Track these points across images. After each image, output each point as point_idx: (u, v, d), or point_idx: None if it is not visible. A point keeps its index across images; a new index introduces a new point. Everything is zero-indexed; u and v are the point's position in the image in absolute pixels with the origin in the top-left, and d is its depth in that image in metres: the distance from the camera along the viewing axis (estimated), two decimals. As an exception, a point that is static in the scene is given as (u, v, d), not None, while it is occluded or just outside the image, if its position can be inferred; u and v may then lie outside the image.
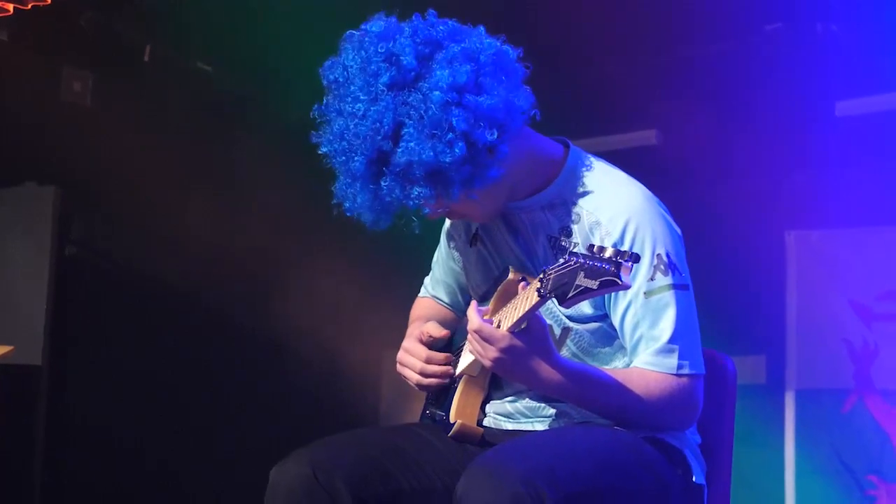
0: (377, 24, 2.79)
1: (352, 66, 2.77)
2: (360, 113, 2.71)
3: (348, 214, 2.83)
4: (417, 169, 2.69)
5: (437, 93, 2.69)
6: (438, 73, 2.71)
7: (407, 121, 2.70)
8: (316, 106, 2.84)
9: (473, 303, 2.78)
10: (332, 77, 2.81)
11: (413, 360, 3.07)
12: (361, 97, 2.72)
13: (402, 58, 2.72)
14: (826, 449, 5.51)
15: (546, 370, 2.74)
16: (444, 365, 3.05)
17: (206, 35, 5.77)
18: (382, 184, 2.72)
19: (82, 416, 5.61)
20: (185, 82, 6.00)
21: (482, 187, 2.77)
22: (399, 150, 2.69)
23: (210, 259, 5.93)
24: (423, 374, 3.05)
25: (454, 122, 2.69)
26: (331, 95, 2.81)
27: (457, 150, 2.69)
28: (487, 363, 2.75)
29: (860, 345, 5.50)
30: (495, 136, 2.73)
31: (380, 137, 2.69)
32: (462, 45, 2.76)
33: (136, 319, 5.80)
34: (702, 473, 2.93)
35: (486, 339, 2.71)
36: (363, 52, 2.76)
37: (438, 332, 3.07)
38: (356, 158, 2.72)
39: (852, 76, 5.31)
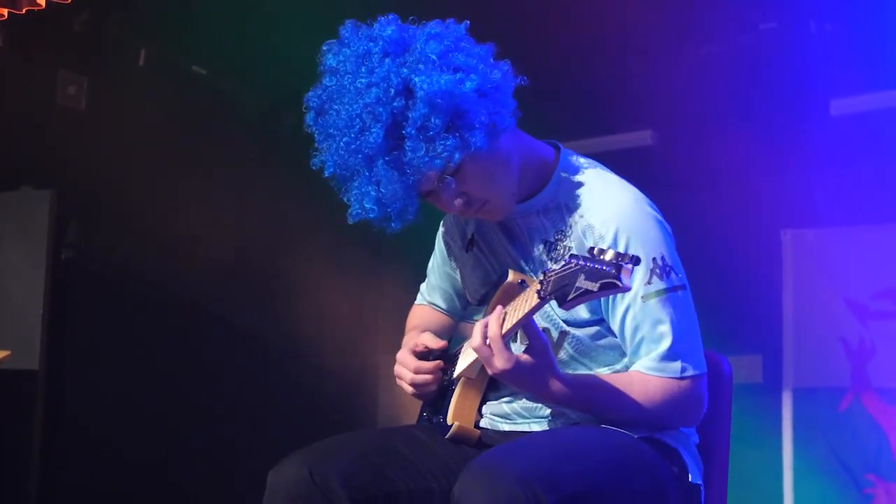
0: (348, 24, 2.82)
1: (340, 62, 2.77)
2: (364, 85, 2.70)
3: (372, 217, 2.78)
4: (436, 116, 2.67)
5: (432, 42, 2.72)
6: (426, 30, 2.77)
7: (413, 76, 2.70)
8: (311, 124, 2.83)
9: (501, 311, 2.74)
10: (321, 91, 2.81)
11: (404, 370, 3.07)
12: (360, 75, 2.72)
13: (384, 32, 2.75)
14: (823, 448, 5.52)
15: (547, 387, 2.76)
16: (433, 373, 3.04)
17: (201, 38, 5.76)
18: (406, 147, 2.69)
19: (80, 421, 5.59)
20: (181, 86, 5.99)
21: (499, 135, 2.77)
22: (414, 100, 2.68)
23: (207, 263, 5.93)
24: (414, 384, 3.06)
25: (460, 61, 2.72)
26: (325, 109, 2.80)
27: (469, 82, 2.70)
28: (491, 372, 2.76)
29: (856, 343, 5.51)
30: (499, 76, 2.75)
31: (391, 97, 2.68)
32: (436, 30, 2.79)
33: (133, 324, 5.79)
34: (699, 473, 2.94)
35: (496, 352, 2.71)
36: (346, 48, 2.78)
37: (435, 343, 3.07)
38: (373, 131, 2.69)
39: (847, 75, 5.32)
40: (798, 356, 5.62)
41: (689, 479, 2.89)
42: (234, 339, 6.10)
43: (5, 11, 4.40)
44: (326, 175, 2.81)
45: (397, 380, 3.11)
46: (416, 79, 2.69)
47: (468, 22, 2.83)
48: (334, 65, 2.78)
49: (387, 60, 2.71)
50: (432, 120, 2.68)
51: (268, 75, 5.92)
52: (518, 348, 2.78)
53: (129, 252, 5.81)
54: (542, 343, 2.73)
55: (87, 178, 5.59)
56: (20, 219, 5.55)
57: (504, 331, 2.70)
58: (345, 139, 2.73)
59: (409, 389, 3.07)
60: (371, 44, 2.74)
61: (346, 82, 2.74)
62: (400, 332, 3.31)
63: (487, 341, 2.72)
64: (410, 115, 2.68)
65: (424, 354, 3.07)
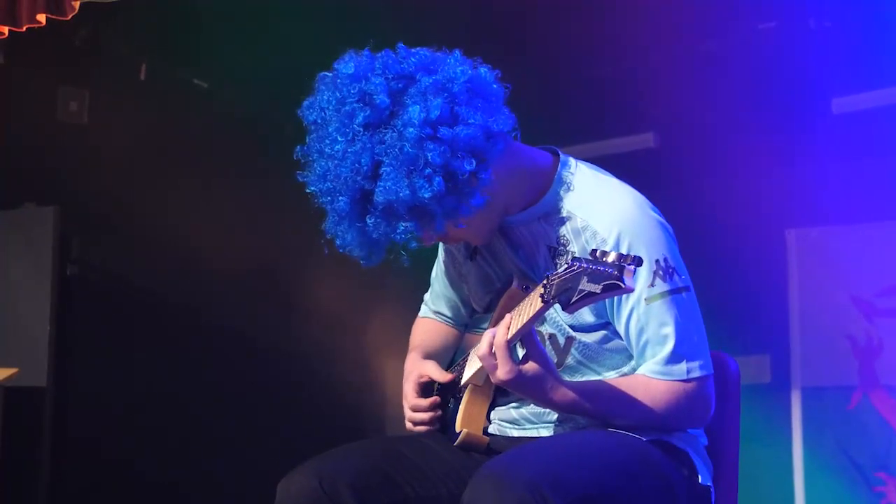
0: (348, 64, 2.80)
1: (328, 108, 2.79)
2: (340, 154, 2.73)
3: (340, 251, 2.85)
4: (399, 206, 2.70)
5: (411, 129, 2.69)
6: (411, 108, 2.72)
7: (384, 159, 2.71)
8: (299, 147, 2.86)
9: (507, 318, 2.74)
10: (310, 118, 2.84)
11: (405, 405, 3.11)
12: (339, 139, 2.74)
13: (374, 97, 2.73)
14: (833, 446, 5.51)
15: (549, 396, 2.77)
16: (429, 412, 3.06)
17: (202, 52, 5.77)
18: (368, 221, 2.74)
19: (88, 437, 5.60)
20: (182, 99, 6.00)
21: (467, 216, 2.78)
22: (378, 189, 2.70)
23: (212, 275, 5.93)
24: (413, 422, 3.09)
25: (430, 157, 2.69)
26: (312, 136, 2.83)
27: (435, 185, 2.69)
28: (495, 380, 2.77)
29: (864, 341, 5.50)
30: (474, 166, 2.73)
31: (360, 178, 2.71)
32: (434, 76, 2.76)
33: (139, 338, 5.80)
34: (708, 475, 2.93)
35: (500, 360, 2.72)
36: (337, 94, 2.78)
37: (441, 377, 3.08)
38: (340, 199, 2.74)
39: (848, 73, 5.31)
40: (805, 355, 5.61)
41: (699, 481, 2.89)
42: (241, 350, 6.10)
43: (6, 29, 4.41)
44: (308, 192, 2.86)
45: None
46: (385, 168, 2.70)
47: (479, 59, 2.83)
48: (323, 105, 2.81)
49: (366, 135, 2.72)
50: (395, 207, 2.71)
51: (268, 87, 5.92)
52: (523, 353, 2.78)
53: (133, 266, 5.83)
54: (540, 353, 2.74)
55: (91, 193, 5.61)
56: (24, 236, 5.56)
57: (508, 336, 2.70)
58: (318, 184, 2.79)
59: (409, 426, 3.10)
60: (357, 105, 2.74)
61: (327, 133, 2.77)
62: (406, 340, 3.31)
63: (493, 349, 2.73)
64: (374, 199, 2.71)
65: (427, 385, 3.08)
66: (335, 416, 6.23)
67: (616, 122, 5.87)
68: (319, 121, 2.80)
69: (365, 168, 2.70)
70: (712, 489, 2.93)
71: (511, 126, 2.82)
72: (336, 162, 2.73)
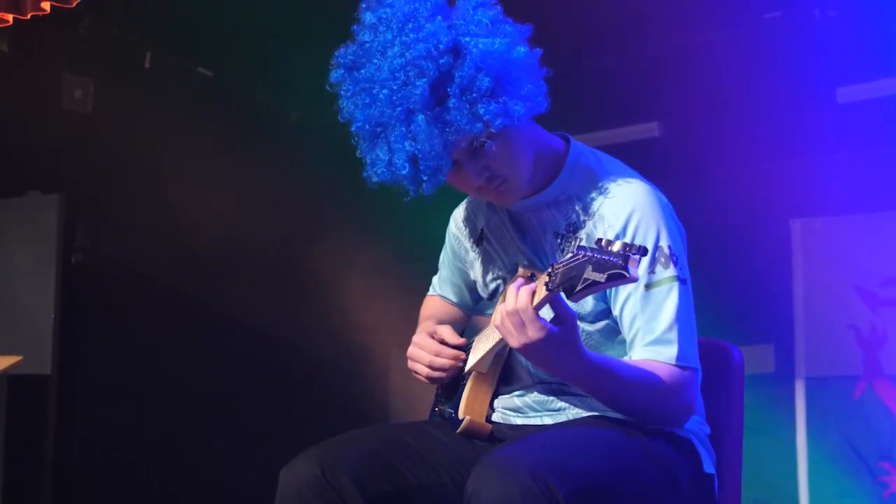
0: None
1: (381, 20, 2.75)
2: (412, 40, 2.68)
3: (403, 174, 2.72)
4: (484, 77, 2.67)
5: (481, 10, 2.74)
6: (473, 2, 2.77)
7: (463, 37, 2.70)
8: (340, 77, 2.79)
9: (519, 279, 2.67)
10: (356, 47, 2.78)
11: (422, 353, 3.06)
12: (406, 31, 2.70)
13: None
14: (837, 436, 5.51)
15: (571, 362, 2.69)
16: (453, 360, 3.03)
17: (207, 40, 5.77)
18: (450, 105, 2.68)
19: (92, 424, 5.61)
20: (187, 87, 6.00)
21: (539, 109, 2.78)
22: (464, 59, 2.67)
23: (217, 263, 5.94)
24: (433, 367, 3.04)
25: (509, 31, 2.74)
26: (359, 65, 2.77)
27: (518, 51, 2.72)
28: (516, 344, 2.64)
29: (868, 331, 5.50)
30: (541, 53, 2.79)
31: (440, 52, 2.67)
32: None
33: (144, 325, 5.80)
34: (712, 463, 2.93)
35: (527, 321, 2.61)
36: (387, 7, 2.76)
37: (454, 339, 3.06)
38: (418, 84, 2.66)
39: (853, 62, 5.31)
40: (809, 345, 5.60)
41: (703, 470, 2.89)
42: (246, 337, 6.10)
43: (10, 17, 4.40)
44: (354, 130, 2.78)
45: (410, 362, 3.09)
46: (467, 39, 2.70)
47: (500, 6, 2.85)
48: (374, 21, 2.76)
49: (437, 18, 2.72)
50: (479, 81, 2.68)
51: (274, 75, 5.92)
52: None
53: (138, 254, 5.83)
54: (570, 315, 2.64)
55: (95, 181, 5.61)
56: (29, 224, 5.57)
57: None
58: (384, 91, 2.70)
59: (425, 371, 3.05)
60: (417, 4, 2.73)
61: (389, 37, 2.72)
62: (411, 327, 3.31)
63: (516, 312, 2.62)
64: (457, 74, 2.68)
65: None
66: (339, 405, 6.24)
67: (620, 111, 5.87)
68: (370, 38, 2.75)
69: (444, 43, 2.68)
70: (716, 478, 2.94)
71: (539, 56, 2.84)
72: (409, 48, 2.68)
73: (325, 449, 2.86)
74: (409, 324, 3.35)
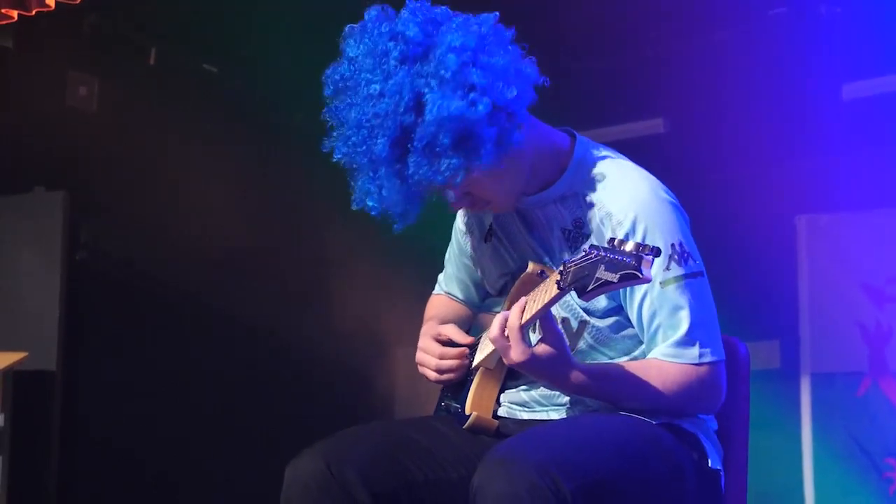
0: (374, 10, 2.78)
1: (359, 55, 2.75)
2: (377, 92, 2.68)
3: (374, 214, 2.78)
4: (444, 136, 2.65)
5: (451, 55, 2.68)
6: (448, 37, 2.70)
7: (426, 90, 2.67)
8: (326, 109, 2.81)
9: (521, 301, 2.72)
10: (338, 76, 2.79)
11: (428, 357, 3.08)
12: (375, 78, 2.70)
13: (407, 33, 2.71)
14: (842, 433, 5.51)
15: (565, 375, 2.76)
16: (459, 358, 3.05)
17: (212, 37, 5.77)
18: (409, 161, 2.68)
19: (97, 421, 5.61)
20: (192, 84, 6.00)
21: (507, 151, 2.74)
22: (424, 118, 2.65)
23: (220, 260, 5.93)
24: (439, 371, 3.06)
25: (474, 80, 2.68)
26: (340, 94, 2.78)
27: (481, 107, 2.66)
28: (507, 363, 2.76)
29: (873, 327, 5.49)
30: (515, 94, 2.72)
31: (401, 111, 2.66)
32: (460, 19, 2.77)
33: (148, 323, 5.80)
34: (718, 458, 2.93)
35: (515, 340, 2.70)
36: (367, 39, 2.75)
37: (460, 337, 3.07)
38: (379, 141, 2.68)
39: (858, 58, 5.30)
40: (815, 341, 5.60)
41: (709, 465, 2.89)
42: (250, 334, 6.10)
43: (15, 13, 4.40)
44: (334, 160, 2.81)
45: (419, 367, 3.11)
46: (429, 95, 2.67)
47: (498, 14, 2.81)
48: (352, 55, 2.76)
49: (403, 68, 2.69)
50: (439, 139, 2.67)
51: (278, 74, 5.92)
52: (537, 338, 2.77)
53: (143, 252, 5.83)
54: (557, 335, 2.72)
55: (100, 178, 5.61)
56: (33, 221, 5.58)
57: (523, 321, 2.69)
58: (352, 138, 2.73)
59: (434, 375, 3.07)
60: (391, 43, 2.71)
61: (360, 79, 2.72)
62: (416, 324, 3.31)
63: (505, 332, 2.71)
64: (418, 132, 2.67)
65: (447, 345, 3.07)
66: (345, 401, 6.24)
67: (626, 107, 5.86)
68: (349, 73, 2.76)
69: (406, 100, 2.66)
70: (722, 473, 2.93)
71: (537, 73, 2.80)
72: (373, 101, 2.68)
73: (331, 445, 2.86)
74: (415, 319, 3.35)
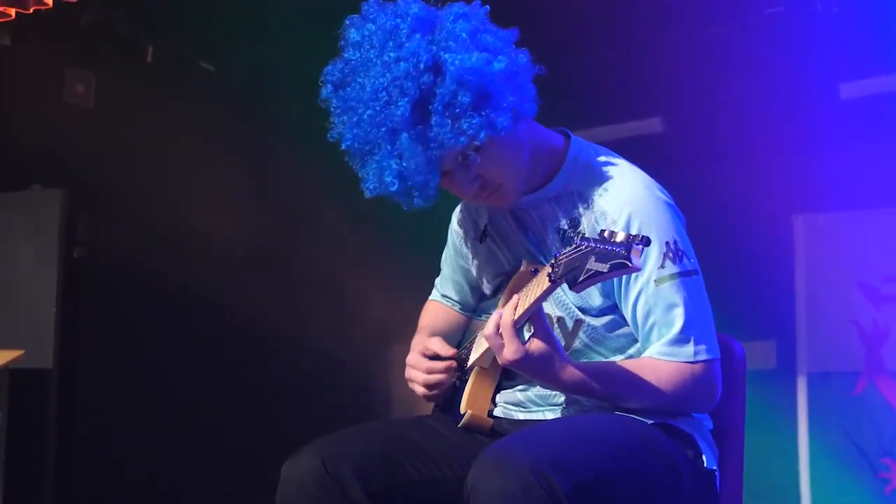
0: (371, 2, 2.82)
1: (365, 37, 2.77)
2: (393, 59, 2.70)
3: (393, 190, 2.76)
4: (464, 94, 2.67)
5: (461, 22, 2.73)
6: (454, 8, 2.77)
7: (442, 53, 2.70)
8: (329, 104, 2.82)
9: (514, 298, 2.73)
10: (341, 65, 2.80)
11: (416, 372, 3.09)
12: (388, 49, 2.72)
13: (410, 10, 2.75)
14: (838, 432, 5.51)
15: (559, 374, 2.76)
16: (446, 373, 3.06)
17: (209, 34, 5.77)
18: (432, 123, 2.69)
19: (94, 419, 5.61)
20: (189, 82, 6.00)
21: (525, 112, 2.78)
22: (443, 77, 2.68)
23: (218, 258, 5.93)
24: (427, 385, 3.07)
25: (488, 41, 2.73)
26: (346, 80, 2.79)
27: (498, 63, 2.71)
28: (500, 362, 2.75)
29: (870, 327, 5.50)
30: (525, 60, 2.77)
31: (420, 71, 2.68)
32: (456, 4, 2.81)
33: (146, 321, 5.80)
34: (713, 458, 2.93)
35: (509, 338, 2.70)
36: (371, 23, 2.77)
37: (444, 350, 3.09)
38: (399, 104, 2.68)
39: (856, 57, 5.30)
40: (811, 341, 5.61)
41: (704, 465, 2.89)
42: (248, 333, 6.10)
43: (12, 11, 4.41)
44: (343, 148, 2.81)
45: (409, 383, 3.12)
46: (446, 55, 2.69)
47: (489, 7, 2.84)
48: (358, 39, 2.78)
49: (416, 36, 2.72)
50: (460, 97, 2.68)
51: (276, 70, 5.92)
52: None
53: (140, 249, 5.82)
54: (547, 332, 2.72)
55: (97, 175, 5.61)
56: (31, 218, 5.57)
57: (515, 317, 2.70)
58: (368, 112, 2.73)
59: (422, 391, 3.09)
60: (399, 20, 2.74)
61: (371, 55, 2.74)
62: (414, 321, 3.31)
63: (499, 330, 2.72)
64: (438, 91, 2.68)
65: (434, 359, 3.08)
66: (341, 399, 6.24)
67: (622, 106, 5.86)
68: (357, 56, 2.77)
69: (425, 60, 2.68)
70: (717, 473, 2.93)
71: (530, 60, 2.82)
72: (390, 68, 2.69)
73: (327, 443, 2.87)
74: (412, 319, 3.35)
